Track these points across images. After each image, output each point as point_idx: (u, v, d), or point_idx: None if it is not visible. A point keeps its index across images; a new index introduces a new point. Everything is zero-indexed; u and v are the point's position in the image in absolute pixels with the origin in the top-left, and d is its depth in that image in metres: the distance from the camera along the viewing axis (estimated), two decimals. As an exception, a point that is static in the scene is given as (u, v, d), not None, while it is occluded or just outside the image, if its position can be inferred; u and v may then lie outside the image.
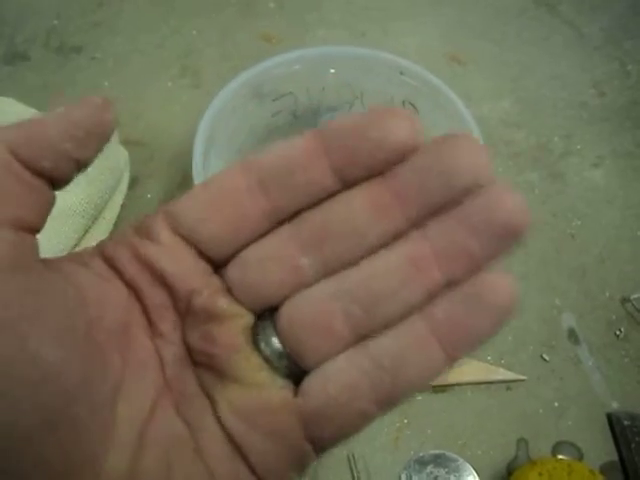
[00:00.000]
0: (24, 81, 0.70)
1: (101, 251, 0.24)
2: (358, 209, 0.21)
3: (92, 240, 0.56)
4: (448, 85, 0.56)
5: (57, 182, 0.22)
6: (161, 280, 0.23)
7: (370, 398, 0.21)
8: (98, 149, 0.23)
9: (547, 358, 0.56)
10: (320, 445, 0.22)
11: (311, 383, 0.22)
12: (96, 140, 0.22)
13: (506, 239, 0.20)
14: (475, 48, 0.78)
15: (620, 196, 0.66)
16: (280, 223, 0.23)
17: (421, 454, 0.51)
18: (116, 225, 0.58)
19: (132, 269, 0.23)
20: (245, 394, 0.22)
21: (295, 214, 0.22)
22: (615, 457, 0.52)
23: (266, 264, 0.22)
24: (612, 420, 0.53)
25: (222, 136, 0.55)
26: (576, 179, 0.67)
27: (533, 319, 0.58)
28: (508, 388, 0.54)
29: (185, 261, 0.23)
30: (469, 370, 0.55)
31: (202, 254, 0.23)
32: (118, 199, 0.59)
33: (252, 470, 0.22)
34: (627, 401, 0.54)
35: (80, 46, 0.74)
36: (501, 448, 0.52)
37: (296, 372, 0.22)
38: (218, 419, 0.22)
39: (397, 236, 0.21)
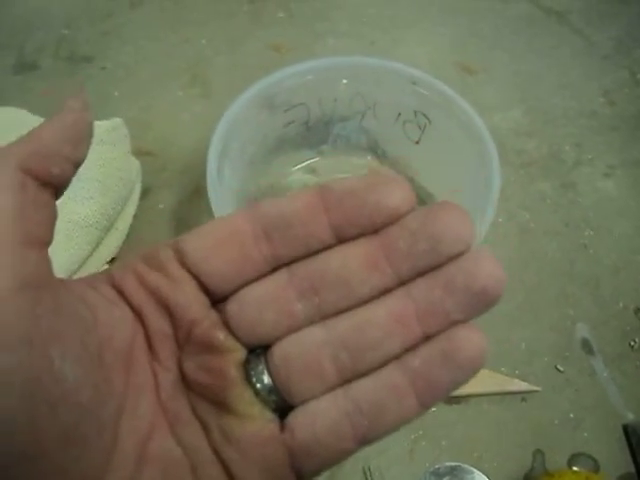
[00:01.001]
0: (34, 91, 0.70)
1: (110, 277, 0.25)
2: (352, 263, 0.23)
3: (105, 251, 0.56)
4: (459, 94, 0.56)
5: (61, 189, 0.23)
6: (165, 308, 0.24)
7: (350, 437, 0.23)
8: (89, 147, 0.24)
9: (561, 369, 0.56)
10: (303, 475, 0.24)
11: (297, 420, 0.23)
12: (87, 139, 0.24)
13: (482, 303, 0.22)
14: (485, 57, 0.78)
15: (632, 206, 0.66)
16: (279, 268, 0.24)
17: (437, 466, 0.50)
18: (128, 236, 0.58)
19: (138, 296, 0.24)
20: (238, 425, 0.23)
21: (293, 261, 0.24)
22: (632, 468, 0.52)
23: (263, 304, 0.24)
24: (628, 431, 0.53)
25: (235, 147, 0.54)
26: (588, 189, 0.67)
27: (547, 329, 0.58)
28: (523, 399, 0.54)
29: (188, 293, 0.24)
30: (484, 381, 0.54)
31: (204, 288, 0.24)
32: (130, 210, 0.59)
33: None
34: (643, 412, 0.54)
35: (90, 56, 0.74)
36: (517, 460, 0.52)
37: (283, 407, 0.24)
38: (212, 445, 0.24)
39: (385, 291, 0.23)
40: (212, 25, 0.78)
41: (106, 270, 0.26)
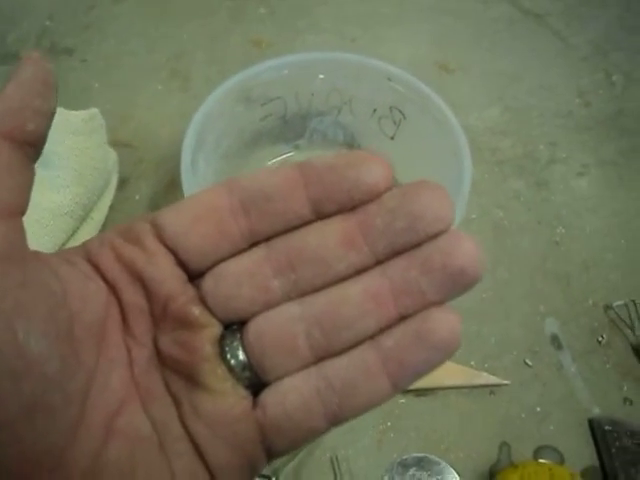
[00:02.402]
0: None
1: (86, 250, 0.25)
2: (330, 240, 0.23)
3: (80, 241, 0.56)
4: (436, 93, 0.56)
5: (37, 148, 0.23)
6: (140, 283, 0.24)
7: (321, 416, 0.23)
8: (57, 97, 0.23)
9: (530, 363, 0.56)
10: (273, 453, 0.24)
11: (269, 397, 0.23)
12: (54, 88, 0.23)
13: (459, 284, 0.22)
14: (464, 57, 0.79)
15: (604, 205, 0.67)
16: (256, 244, 0.24)
17: (404, 457, 0.51)
18: (104, 226, 0.59)
19: (114, 270, 0.24)
20: (209, 401, 0.23)
21: (271, 237, 0.24)
22: (596, 462, 0.52)
23: (239, 280, 0.24)
24: (593, 425, 0.54)
25: (210, 139, 0.55)
26: (561, 187, 0.68)
27: (517, 324, 0.58)
28: (491, 392, 0.55)
29: (165, 268, 0.24)
30: (453, 374, 0.55)
31: (181, 263, 0.24)
32: (106, 200, 0.59)
33: (209, 470, 0.23)
34: (608, 407, 0.55)
35: (71, 48, 0.74)
36: (484, 452, 0.52)
37: (256, 384, 0.24)
38: (182, 420, 0.23)
39: (362, 269, 0.23)
40: (193, 20, 0.79)
41: (83, 244, 0.25)
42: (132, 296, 0.24)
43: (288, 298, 0.24)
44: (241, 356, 0.23)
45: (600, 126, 0.74)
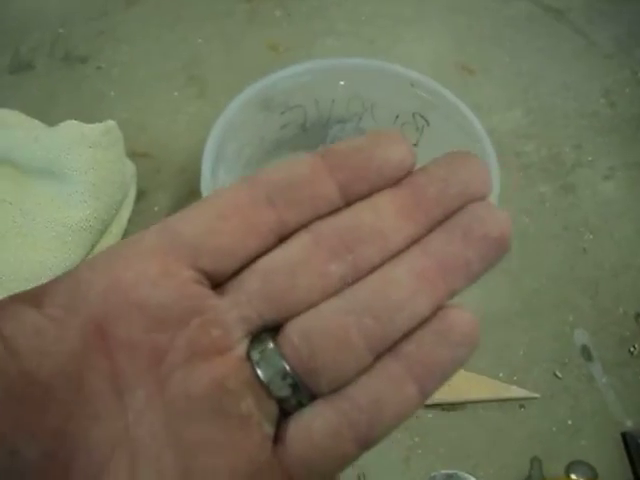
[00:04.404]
0: (29, 91, 0.70)
1: (70, 279, 0.22)
2: (385, 213, 0.22)
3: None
4: (458, 95, 0.55)
5: None
6: (140, 313, 0.21)
7: (351, 441, 0.21)
8: None
9: (560, 375, 0.55)
10: None
11: (292, 428, 0.21)
12: None
13: (498, 252, 0.22)
14: (485, 57, 0.77)
15: (632, 209, 0.66)
16: (285, 238, 0.22)
17: (433, 474, 0.50)
18: (123, 239, 0.58)
19: (101, 304, 0.21)
20: (226, 446, 0.20)
21: (301, 227, 0.22)
22: (630, 477, 0.51)
23: (293, 269, 0.21)
24: (627, 439, 0.52)
25: (230, 149, 0.54)
26: (588, 192, 0.66)
27: (545, 335, 0.57)
28: (521, 406, 0.54)
29: (174, 289, 0.21)
30: (481, 387, 0.54)
31: (203, 272, 0.21)
32: (125, 213, 0.59)
33: None
34: (642, 419, 0.53)
35: (85, 55, 0.73)
36: (514, 467, 0.51)
37: (293, 401, 0.21)
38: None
39: (417, 240, 0.22)
40: (209, 24, 0.77)
41: (67, 272, 0.22)
42: (124, 331, 0.21)
43: (345, 283, 0.22)
44: (279, 362, 0.21)
45: (626, 126, 0.72)
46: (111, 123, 0.55)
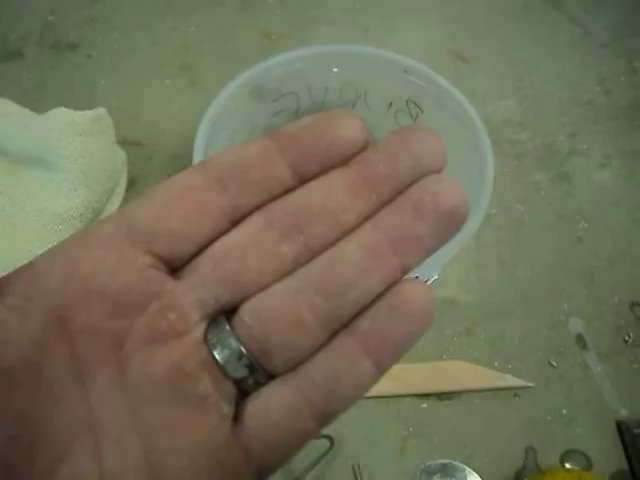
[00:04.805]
0: (19, 79, 0.69)
1: (29, 270, 0.21)
2: (335, 192, 0.22)
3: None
4: (452, 83, 0.54)
5: None
6: (100, 299, 0.21)
7: (308, 417, 0.21)
8: None
9: (555, 364, 0.55)
10: (263, 473, 0.22)
11: (251, 409, 0.21)
12: None
13: (452, 224, 0.21)
14: (480, 45, 0.77)
15: (627, 197, 0.65)
16: (239, 221, 0.22)
17: (427, 464, 0.50)
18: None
19: (62, 292, 0.21)
20: (188, 426, 0.21)
21: (255, 209, 0.22)
22: (625, 466, 0.51)
23: (244, 251, 0.22)
24: (622, 428, 0.52)
25: (222, 137, 0.53)
26: (583, 180, 0.66)
27: (540, 324, 0.57)
28: (516, 395, 0.53)
29: (130, 274, 0.21)
30: (476, 377, 0.53)
31: (159, 258, 0.22)
32: (116, 201, 0.58)
33: None
34: (637, 408, 0.53)
35: (76, 43, 0.73)
36: (509, 457, 0.51)
37: (251, 381, 0.21)
38: (150, 462, 0.21)
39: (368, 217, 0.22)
40: (201, 12, 0.77)
41: (30, 262, 0.22)
42: (84, 317, 0.21)
43: (297, 263, 0.22)
44: (234, 344, 0.21)
45: (621, 115, 0.72)
46: (101, 110, 0.55)
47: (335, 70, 0.57)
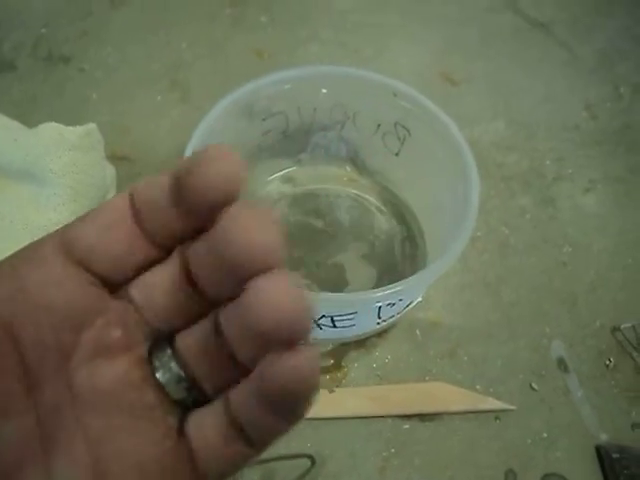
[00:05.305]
0: (10, 91, 0.69)
1: None
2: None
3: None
4: (441, 105, 0.55)
5: None
6: (45, 313, 0.21)
7: (241, 439, 0.21)
8: None
9: (536, 387, 0.55)
10: None
11: (191, 426, 0.22)
12: None
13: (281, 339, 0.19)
14: (469, 68, 0.78)
15: (612, 223, 0.66)
16: (170, 249, 0.22)
17: (408, 485, 0.50)
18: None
19: (7, 306, 0.21)
20: (134, 437, 0.21)
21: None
22: (604, 490, 0.51)
23: (169, 289, 0.22)
24: (601, 452, 0.52)
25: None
26: (568, 204, 0.67)
27: (523, 347, 0.57)
28: (497, 417, 0.54)
29: (74, 290, 0.21)
30: (458, 399, 0.54)
31: (100, 277, 0.22)
32: (104, 216, 0.58)
33: None
34: (616, 433, 0.53)
35: (68, 56, 0.73)
36: (489, 479, 0.51)
37: (190, 400, 0.22)
38: (101, 471, 0.21)
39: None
40: (193, 28, 0.77)
41: None
42: (33, 332, 0.21)
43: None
44: (175, 369, 0.22)
45: (607, 140, 0.73)
46: (91, 126, 0.55)
47: (324, 91, 0.58)
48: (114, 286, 0.22)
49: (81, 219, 0.22)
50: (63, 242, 0.22)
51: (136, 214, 0.21)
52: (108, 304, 0.22)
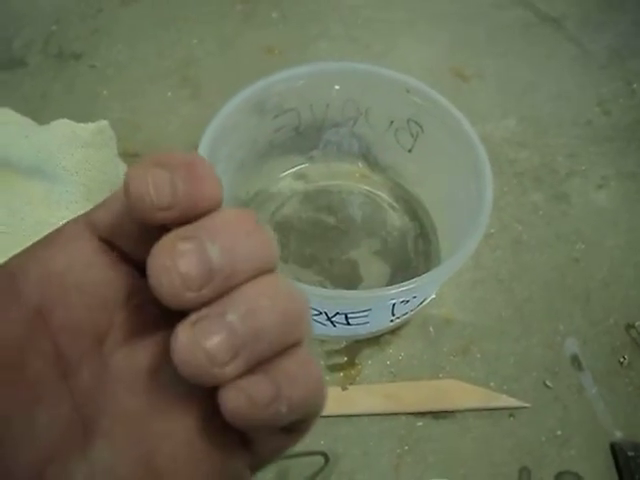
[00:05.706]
0: (21, 88, 0.69)
1: (3, 272, 0.21)
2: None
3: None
4: (452, 101, 0.55)
5: None
6: (78, 294, 0.21)
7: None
8: None
9: (550, 385, 0.55)
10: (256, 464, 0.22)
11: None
12: None
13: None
14: (480, 64, 0.77)
15: (625, 219, 0.65)
16: None
17: (422, 482, 0.50)
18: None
19: (38, 290, 0.21)
20: (180, 418, 0.21)
21: None
22: (618, 488, 0.51)
23: None
24: (615, 450, 0.52)
25: (223, 152, 0.53)
26: (580, 201, 0.66)
27: (536, 344, 0.57)
28: (511, 415, 0.53)
29: (106, 270, 0.21)
30: (471, 396, 0.54)
31: (126, 257, 0.22)
32: (116, 213, 0.58)
33: None
34: (631, 430, 0.53)
35: (79, 53, 0.73)
36: (503, 477, 0.51)
37: None
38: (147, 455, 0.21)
39: None
40: (204, 24, 0.77)
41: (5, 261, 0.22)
42: (64, 314, 0.21)
43: None
44: None
45: (620, 136, 0.72)
46: (103, 123, 0.55)
47: (337, 87, 0.58)
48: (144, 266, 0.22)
49: (102, 203, 0.22)
50: (88, 223, 0.22)
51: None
52: (140, 283, 0.22)
